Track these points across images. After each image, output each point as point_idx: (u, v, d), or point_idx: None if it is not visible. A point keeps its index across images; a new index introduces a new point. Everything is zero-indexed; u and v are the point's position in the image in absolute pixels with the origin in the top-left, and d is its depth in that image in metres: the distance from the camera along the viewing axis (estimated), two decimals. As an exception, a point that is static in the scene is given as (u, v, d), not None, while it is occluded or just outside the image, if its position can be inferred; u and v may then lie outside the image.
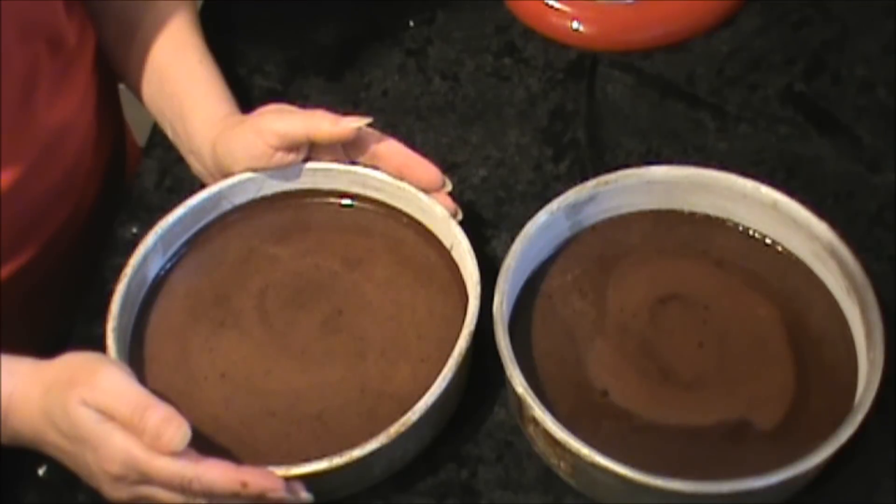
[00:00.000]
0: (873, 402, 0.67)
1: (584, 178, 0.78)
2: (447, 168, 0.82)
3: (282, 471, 0.67)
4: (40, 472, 0.75)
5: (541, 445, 0.72)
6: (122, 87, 0.94)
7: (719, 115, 0.90)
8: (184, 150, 0.85)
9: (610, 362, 0.73)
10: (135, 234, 0.85)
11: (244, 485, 0.65)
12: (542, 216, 0.76)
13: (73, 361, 0.69)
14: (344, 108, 0.87)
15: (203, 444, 0.69)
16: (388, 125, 0.86)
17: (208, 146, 0.81)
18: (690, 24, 0.95)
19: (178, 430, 0.64)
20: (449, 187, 0.78)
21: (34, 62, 0.81)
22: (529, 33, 0.97)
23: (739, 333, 0.74)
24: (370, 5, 0.99)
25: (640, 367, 0.73)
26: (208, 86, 0.85)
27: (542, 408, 0.68)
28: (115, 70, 0.91)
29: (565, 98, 0.92)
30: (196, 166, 0.85)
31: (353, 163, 0.81)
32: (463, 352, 0.71)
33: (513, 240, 0.75)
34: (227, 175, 0.81)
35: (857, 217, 0.83)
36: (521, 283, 0.76)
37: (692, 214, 0.80)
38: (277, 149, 0.79)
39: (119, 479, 0.66)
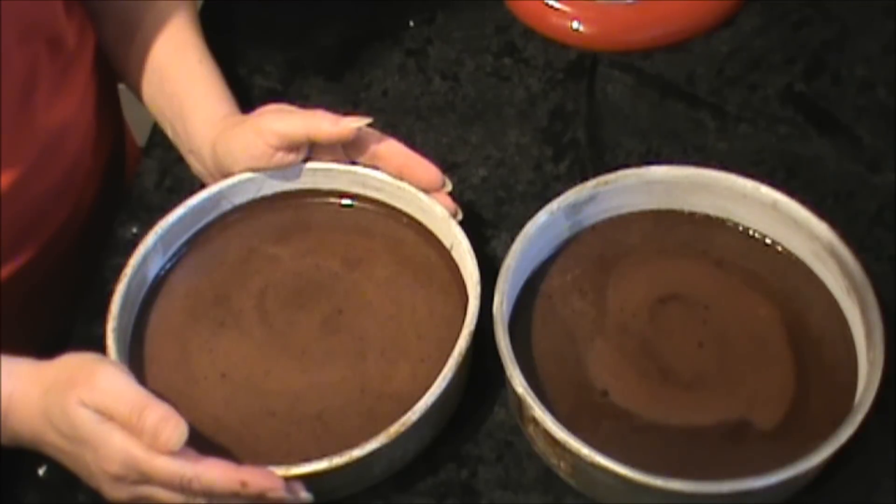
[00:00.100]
0: (873, 402, 0.67)
1: (584, 178, 0.78)
2: (447, 168, 0.82)
3: (282, 471, 0.67)
4: (40, 472, 0.75)
5: (541, 445, 0.72)
6: (122, 87, 0.94)
7: (719, 115, 0.90)
8: (184, 150, 0.85)
9: (610, 362, 0.73)
10: (135, 234, 0.85)
11: (244, 484, 0.65)
12: (542, 216, 0.76)
13: (71, 362, 0.69)
14: (344, 108, 0.87)
15: (203, 444, 0.69)
16: (388, 125, 0.86)
17: (208, 146, 0.81)
18: (690, 24, 0.95)
19: (175, 429, 0.64)
20: (449, 187, 0.78)
21: (34, 63, 0.81)
22: (529, 33, 0.97)
23: (739, 333, 0.74)
24: (370, 5, 0.99)
25: (640, 367, 0.73)
26: (208, 86, 0.85)
27: (542, 408, 0.68)
28: (115, 70, 0.91)
29: (565, 98, 0.92)
30: (196, 166, 0.85)
31: (353, 163, 0.81)
32: (463, 352, 0.71)
33: (513, 240, 0.75)
34: (227, 175, 0.81)
35: (857, 217, 0.83)
36: (521, 283, 0.76)
37: (692, 214, 0.80)
38: (277, 149, 0.79)
39: (119, 479, 0.66)
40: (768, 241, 0.78)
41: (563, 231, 0.78)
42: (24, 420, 0.69)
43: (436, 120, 0.92)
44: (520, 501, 0.72)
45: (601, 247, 0.79)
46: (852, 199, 0.84)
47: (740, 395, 0.71)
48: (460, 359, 0.70)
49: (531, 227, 0.76)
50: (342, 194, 0.82)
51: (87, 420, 0.66)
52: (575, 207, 0.78)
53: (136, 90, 0.88)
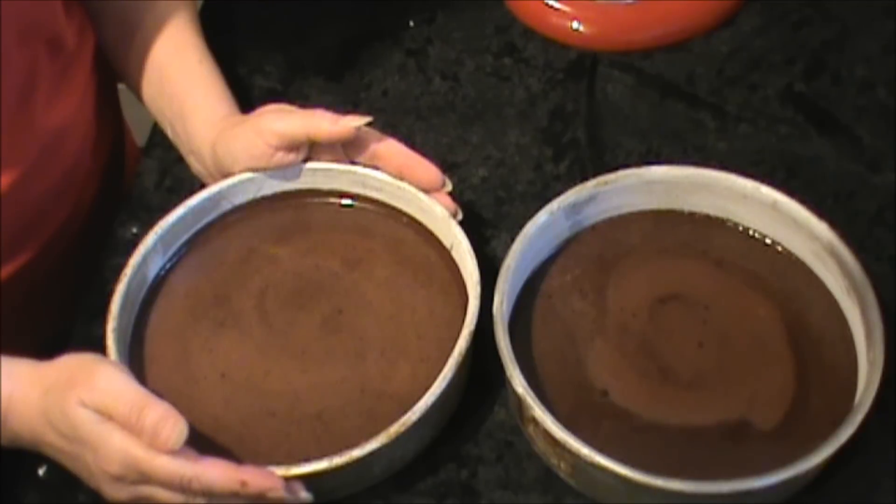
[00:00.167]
0: (873, 402, 0.67)
1: (584, 178, 0.78)
2: (447, 168, 0.82)
3: (282, 471, 0.67)
4: (40, 472, 0.75)
5: (541, 445, 0.72)
6: (122, 87, 0.94)
7: (719, 115, 0.90)
8: (184, 150, 0.85)
9: (610, 362, 0.73)
10: (135, 234, 0.85)
11: (244, 484, 0.65)
12: (542, 216, 0.76)
13: (71, 363, 0.69)
14: (344, 108, 0.87)
15: (203, 443, 0.69)
16: (388, 125, 0.86)
17: (208, 146, 0.81)
18: (690, 24, 0.95)
19: (174, 428, 0.64)
20: (449, 187, 0.78)
21: (33, 63, 0.81)
22: (529, 33, 0.97)
23: (739, 333, 0.74)
24: (370, 5, 0.99)
25: (640, 367, 0.73)
26: (208, 86, 0.85)
27: (542, 408, 0.68)
28: (115, 70, 0.91)
29: (565, 98, 0.92)
30: (196, 166, 0.85)
31: (353, 163, 0.81)
32: (463, 352, 0.71)
33: (513, 240, 0.75)
34: (227, 175, 0.81)
35: (857, 217, 0.83)
36: (521, 283, 0.76)
37: (692, 214, 0.80)
38: (277, 149, 0.79)
39: (119, 479, 0.66)
40: (768, 241, 0.78)
41: (563, 231, 0.78)
42: (23, 421, 0.69)
43: (436, 120, 0.92)
44: (520, 501, 0.72)
45: (601, 247, 0.79)
46: (852, 199, 0.84)
47: (740, 395, 0.71)
48: (460, 359, 0.70)
49: (531, 227, 0.76)
50: (342, 194, 0.82)
51: (86, 420, 0.66)
52: (575, 207, 0.78)
53: (136, 90, 0.88)
